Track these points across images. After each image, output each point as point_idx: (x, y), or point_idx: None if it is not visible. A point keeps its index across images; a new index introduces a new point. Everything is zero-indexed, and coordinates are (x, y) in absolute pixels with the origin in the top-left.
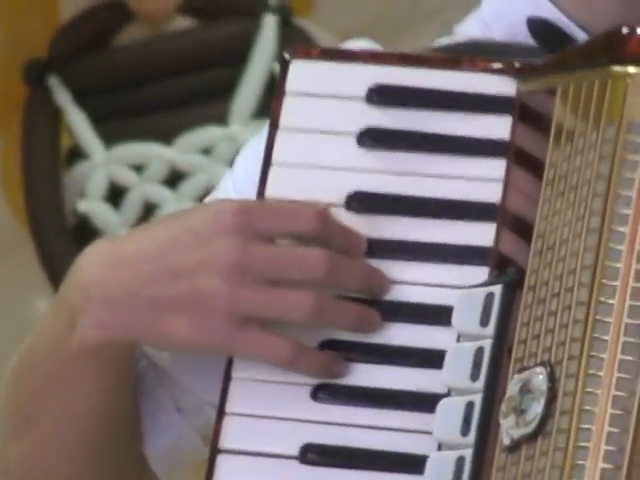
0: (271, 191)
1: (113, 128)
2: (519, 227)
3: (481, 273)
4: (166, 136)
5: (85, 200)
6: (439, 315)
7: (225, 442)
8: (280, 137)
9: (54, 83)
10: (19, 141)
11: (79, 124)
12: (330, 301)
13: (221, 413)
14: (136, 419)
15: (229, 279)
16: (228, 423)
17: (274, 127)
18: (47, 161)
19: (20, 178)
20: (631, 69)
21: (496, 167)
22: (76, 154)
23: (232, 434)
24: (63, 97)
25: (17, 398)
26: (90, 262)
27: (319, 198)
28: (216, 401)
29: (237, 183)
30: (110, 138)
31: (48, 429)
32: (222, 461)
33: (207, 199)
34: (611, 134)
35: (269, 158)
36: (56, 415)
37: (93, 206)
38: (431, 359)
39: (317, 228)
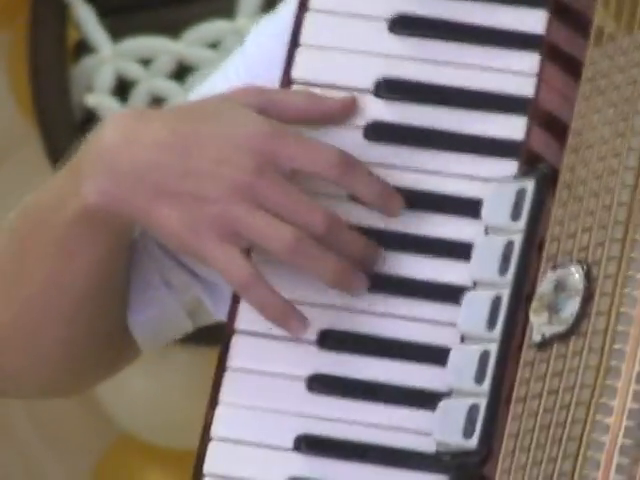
0: (298, 73)
1: (120, 22)
2: (551, 124)
3: (511, 167)
4: (174, 30)
5: (92, 94)
6: (467, 207)
7: (218, 431)
8: (309, 18)
9: None
10: (25, 36)
11: (86, 18)
12: (313, 248)
13: (214, 402)
14: (127, 290)
15: (232, 194)
16: (221, 412)
17: (303, 8)
18: (54, 56)
19: (27, 74)
20: None
21: (530, 61)
22: (83, 48)
23: (225, 423)
24: None
25: (9, 255)
26: (112, 129)
27: (347, 83)
28: (209, 276)
29: (249, 62)
30: (117, 32)
31: (38, 291)
32: (214, 449)
33: (217, 74)
34: None
35: (296, 39)
36: (47, 279)
37: (100, 100)
38: (460, 254)
39: (336, 175)
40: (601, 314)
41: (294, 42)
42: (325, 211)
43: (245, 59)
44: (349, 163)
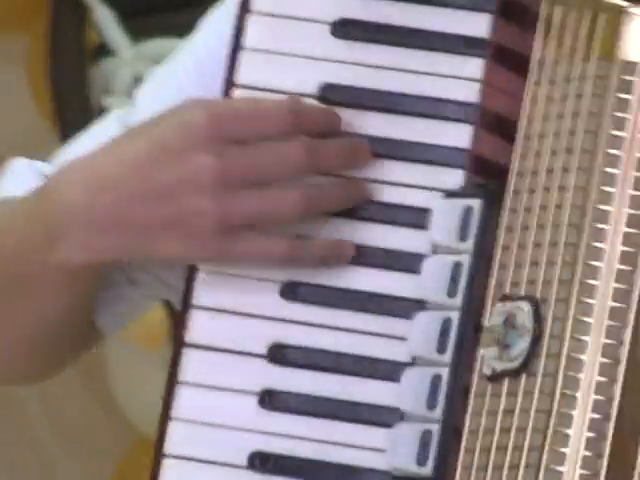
0: (241, 77)
1: (139, 24)
2: (499, 126)
3: (458, 177)
4: (192, 32)
5: (111, 96)
6: (414, 217)
7: (192, 337)
8: (252, 21)
9: None
10: (45, 39)
11: (105, 21)
12: (316, 189)
13: (187, 306)
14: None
15: (214, 195)
16: (194, 317)
17: (245, 10)
18: (73, 58)
19: (46, 76)
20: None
21: (475, 66)
22: (102, 51)
23: (199, 328)
24: None
25: None
26: (69, 182)
27: (291, 88)
28: (171, 280)
29: (198, 62)
30: (136, 35)
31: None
32: (189, 356)
33: (165, 72)
34: (603, 71)
35: (238, 42)
36: (11, 317)
37: (119, 102)
38: (408, 263)
39: (289, 125)
40: (551, 356)
41: (236, 45)
42: (295, 144)
43: (194, 57)
44: (299, 110)
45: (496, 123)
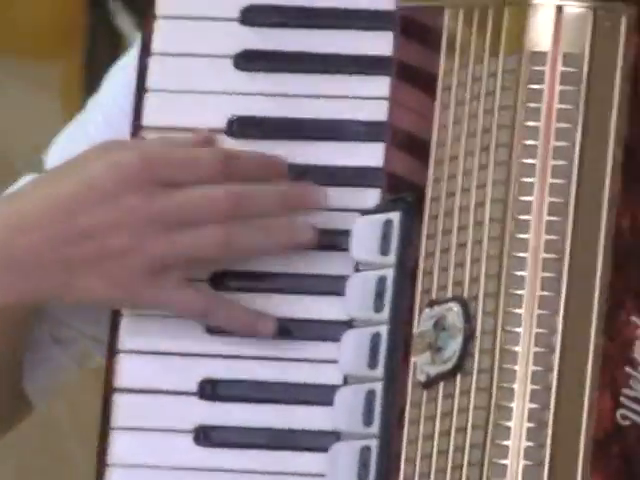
0: (149, 120)
1: None
2: (410, 144)
3: (374, 196)
4: None
5: None
6: (336, 239)
7: (120, 381)
8: (153, 62)
9: (117, 7)
10: (80, 65)
11: None
12: (239, 228)
13: (113, 351)
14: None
15: (140, 235)
16: (121, 361)
17: (146, 52)
18: None
19: (81, 102)
20: None
21: (381, 85)
22: None
23: (127, 372)
24: (125, 22)
25: None
26: None
27: (199, 124)
28: (97, 334)
29: (107, 115)
30: None
31: None
32: (119, 401)
33: (74, 129)
34: (512, 64)
35: (143, 85)
36: None
37: None
38: (331, 287)
39: (220, 172)
40: (485, 352)
41: (141, 88)
42: (221, 191)
43: (102, 111)
44: (231, 157)
45: (407, 141)
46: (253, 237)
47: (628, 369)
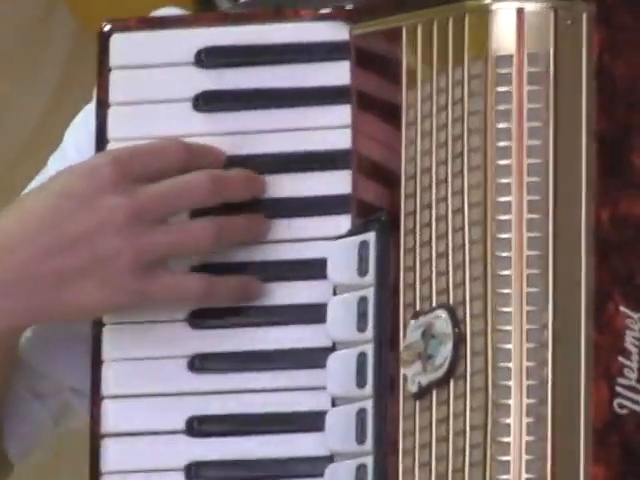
0: None
1: None
2: (376, 172)
3: (346, 222)
4: None
5: None
6: (312, 269)
7: (107, 426)
8: (112, 114)
9: None
10: None
11: None
12: (226, 219)
13: (97, 398)
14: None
15: (127, 234)
16: (107, 407)
17: (104, 105)
18: None
19: None
20: (487, 0)
21: (342, 114)
22: None
23: (113, 417)
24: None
25: None
26: None
27: None
28: (76, 385)
29: (70, 164)
30: None
31: None
32: (107, 446)
33: (40, 179)
34: (478, 70)
35: (103, 137)
36: None
37: None
38: (313, 314)
39: (186, 157)
40: (477, 354)
41: (101, 140)
42: (200, 175)
43: (65, 163)
44: (191, 146)
45: (372, 167)
46: (238, 225)
47: (621, 359)
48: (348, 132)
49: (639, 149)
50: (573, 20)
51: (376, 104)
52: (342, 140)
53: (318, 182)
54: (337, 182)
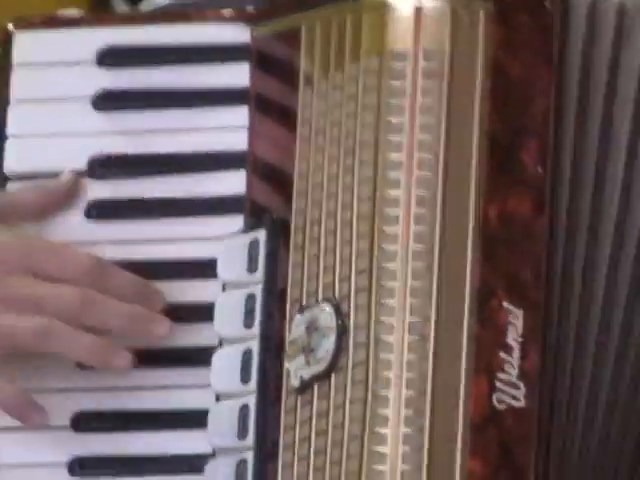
0: (10, 167)
1: None
2: (270, 174)
3: (238, 222)
4: None
5: None
6: (203, 268)
7: None
8: (13, 110)
9: None
10: None
11: None
12: (62, 330)
13: None
14: None
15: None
16: None
17: (4, 102)
18: None
19: None
20: None
21: (239, 115)
22: None
23: None
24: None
25: None
26: None
27: (61, 167)
28: None
29: None
30: None
31: None
32: None
33: None
34: (374, 65)
35: (2, 133)
36: None
37: None
38: (202, 313)
39: (84, 275)
40: (359, 346)
41: (0, 136)
42: (72, 290)
43: None
44: (102, 266)
45: (267, 170)
46: (71, 344)
47: (502, 354)
48: (245, 133)
49: (529, 148)
50: (471, 18)
51: (273, 106)
52: (239, 141)
53: (213, 182)
54: (232, 182)
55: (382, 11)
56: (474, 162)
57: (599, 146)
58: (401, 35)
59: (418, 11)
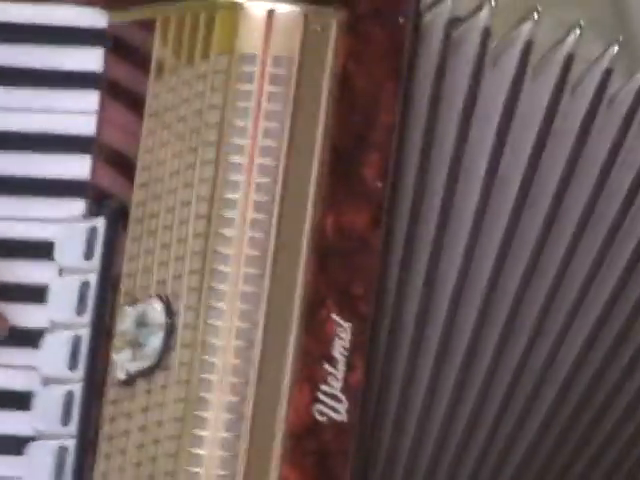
0: None
1: None
2: (117, 161)
3: (80, 206)
4: None
5: None
6: (39, 250)
7: None
8: None
9: None
10: None
11: None
12: None
13: None
14: None
15: None
16: None
17: None
18: None
19: None
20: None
21: (89, 100)
22: None
23: None
24: None
25: None
26: None
27: None
28: None
29: None
30: None
31: None
32: None
33: None
34: (222, 65)
35: None
36: None
37: None
38: (34, 294)
39: None
40: (186, 346)
41: None
42: None
43: None
44: None
45: (114, 156)
46: None
47: (327, 366)
48: (93, 119)
49: (370, 162)
50: (322, 27)
51: (125, 93)
52: (87, 126)
53: (57, 164)
54: (76, 166)
55: (235, 11)
56: (314, 171)
57: (450, 165)
58: (251, 38)
59: (270, 15)
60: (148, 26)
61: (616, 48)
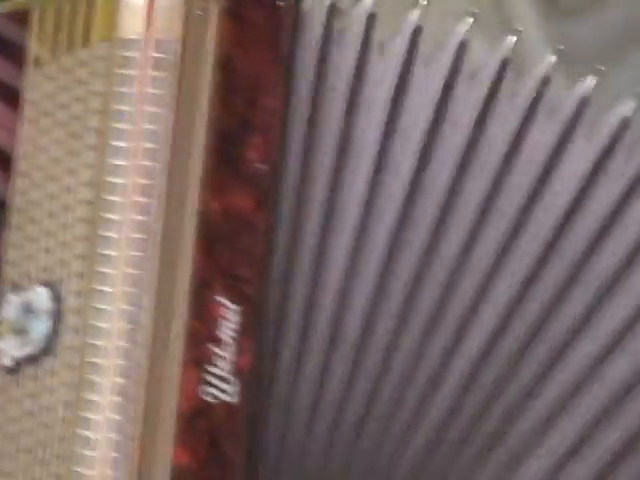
0: None
1: None
2: None
3: None
4: None
5: None
6: None
7: None
8: None
9: None
10: None
11: None
12: None
13: None
14: None
15: None
16: None
17: None
18: None
19: None
20: None
21: None
22: None
23: None
24: None
25: None
26: None
27: None
28: None
29: None
30: None
31: None
32: None
33: None
34: (104, 51)
35: None
36: None
37: None
38: None
39: None
40: (72, 331)
41: None
42: None
43: None
44: None
45: None
46: None
47: (213, 347)
48: None
49: (253, 144)
50: (204, 10)
51: (2, 88)
52: None
53: None
54: None
55: None
56: (198, 155)
57: (337, 151)
58: (133, 23)
59: (152, 1)
60: (22, 15)
61: (514, 39)
